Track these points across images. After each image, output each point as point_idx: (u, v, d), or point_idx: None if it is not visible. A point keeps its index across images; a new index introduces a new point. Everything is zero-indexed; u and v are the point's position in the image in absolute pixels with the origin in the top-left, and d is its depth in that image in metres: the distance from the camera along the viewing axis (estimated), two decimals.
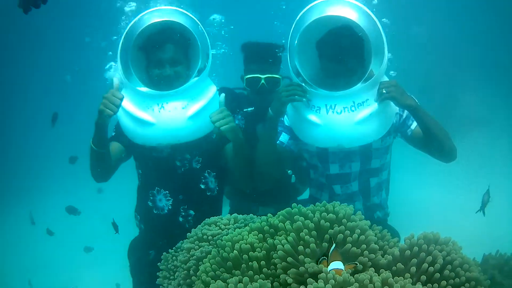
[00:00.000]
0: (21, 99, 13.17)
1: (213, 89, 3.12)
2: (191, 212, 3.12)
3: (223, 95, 3.02)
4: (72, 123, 11.30)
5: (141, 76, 3.07)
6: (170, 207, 3.11)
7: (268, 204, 3.61)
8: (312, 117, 2.86)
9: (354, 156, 3.08)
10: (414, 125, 3.02)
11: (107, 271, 7.05)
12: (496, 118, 8.85)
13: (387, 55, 2.85)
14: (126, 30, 2.96)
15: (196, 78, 3.02)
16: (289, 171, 3.47)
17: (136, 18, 2.98)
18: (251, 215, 2.08)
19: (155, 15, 2.97)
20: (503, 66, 9.82)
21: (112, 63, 3.32)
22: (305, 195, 4.07)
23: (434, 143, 2.94)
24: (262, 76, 3.40)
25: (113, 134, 3.17)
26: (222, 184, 3.30)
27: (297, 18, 2.90)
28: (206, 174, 3.17)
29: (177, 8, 3.02)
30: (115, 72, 3.19)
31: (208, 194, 3.17)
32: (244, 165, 3.18)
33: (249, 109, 3.51)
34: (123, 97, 2.81)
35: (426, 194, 6.85)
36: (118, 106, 2.77)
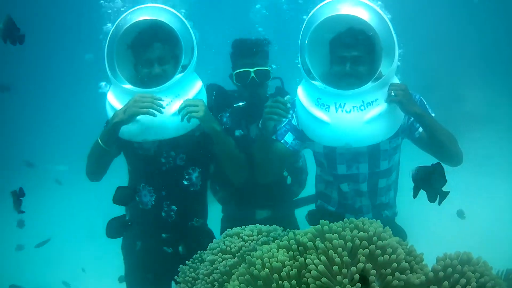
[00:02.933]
0: None
1: (198, 85, 3.13)
2: (174, 207, 3.21)
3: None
4: None
5: (129, 74, 3.12)
6: (153, 203, 3.20)
7: (264, 207, 3.64)
8: (321, 115, 2.84)
9: (361, 157, 3.08)
10: (421, 128, 3.01)
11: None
12: (499, 116, 8.83)
13: (397, 55, 2.84)
14: (112, 29, 3.01)
15: (180, 75, 3.04)
16: (284, 173, 3.50)
17: (121, 17, 3.01)
18: (274, 226, 2.06)
19: (139, 14, 3.01)
20: (508, 62, 9.80)
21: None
22: (304, 193, 4.07)
23: (440, 149, 2.98)
24: (252, 70, 3.39)
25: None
26: (206, 180, 3.37)
27: (309, 15, 2.88)
28: (190, 171, 3.23)
29: (162, 6, 3.04)
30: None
31: (191, 189, 3.24)
32: (229, 156, 3.20)
33: (240, 103, 3.50)
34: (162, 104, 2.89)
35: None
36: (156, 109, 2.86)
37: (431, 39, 10.57)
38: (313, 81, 2.91)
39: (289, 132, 3.16)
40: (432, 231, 5.70)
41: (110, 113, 3.03)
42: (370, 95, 2.81)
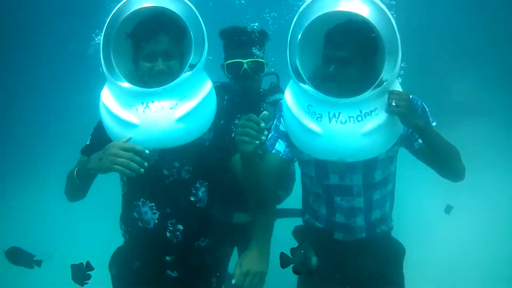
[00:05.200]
0: None
1: (208, 86, 2.70)
2: (180, 227, 2.80)
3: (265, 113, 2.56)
4: None
5: (125, 68, 2.68)
6: (156, 221, 2.78)
7: (245, 210, 3.34)
8: (312, 125, 2.49)
9: (356, 167, 2.76)
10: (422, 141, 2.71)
11: None
12: (492, 108, 8.59)
13: (400, 58, 2.48)
14: (109, 17, 2.55)
15: (188, 73, 2.59)
16: None
17: (121, 3, 2.55)
18: None
19: (143, 0, 2.56)
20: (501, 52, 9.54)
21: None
22: (287, 204, 3.74)
23: (441, 164, 2.70)
24: (244, 61, 3.16)
25: (88, 143, 2.82)
26: (213, 196, 2.97)
27: (300, 9, 2.48)
28: (198, 185, 2.84)
29: None
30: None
31: (197, 206, 2.85)
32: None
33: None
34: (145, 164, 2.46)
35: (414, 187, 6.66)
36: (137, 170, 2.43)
37: (418, 24, 10.30)
38: (302, 84, 2.53)
39: (278, 139, 2.82)
40: (429, 239, 5.59)
41: (104, 116, 2.63)
42: (369, 104, 2.46)
